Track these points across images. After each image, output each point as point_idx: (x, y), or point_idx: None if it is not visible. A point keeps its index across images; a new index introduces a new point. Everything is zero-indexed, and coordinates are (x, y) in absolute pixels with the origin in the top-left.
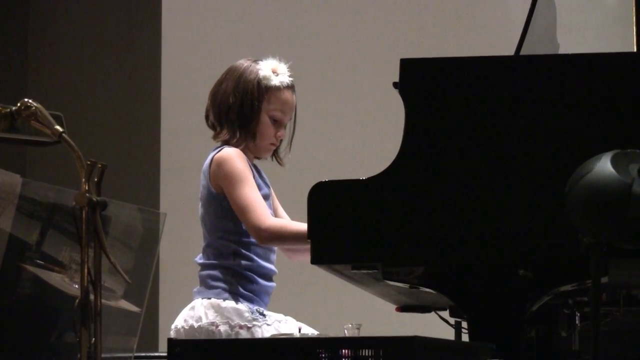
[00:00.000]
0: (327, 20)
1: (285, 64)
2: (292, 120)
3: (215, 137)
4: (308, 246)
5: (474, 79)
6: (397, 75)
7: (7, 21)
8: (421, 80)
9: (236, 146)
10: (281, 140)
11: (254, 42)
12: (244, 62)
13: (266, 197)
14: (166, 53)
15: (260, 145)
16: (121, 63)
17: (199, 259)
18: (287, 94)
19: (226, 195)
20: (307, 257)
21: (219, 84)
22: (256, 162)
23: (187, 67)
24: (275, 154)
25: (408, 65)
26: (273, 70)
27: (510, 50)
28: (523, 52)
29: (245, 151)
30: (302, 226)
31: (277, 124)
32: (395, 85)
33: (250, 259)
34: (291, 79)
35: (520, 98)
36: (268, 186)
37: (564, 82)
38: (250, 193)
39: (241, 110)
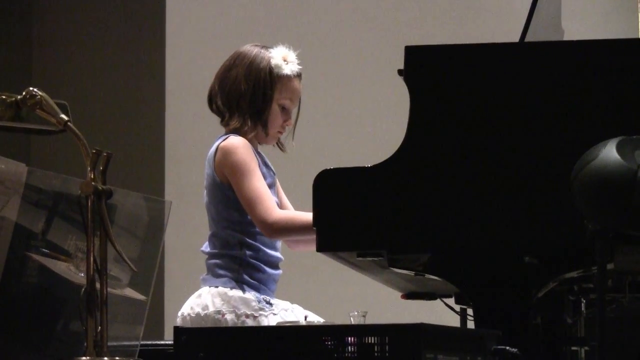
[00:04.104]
0: (333, 7)
1: (294, 51)
2: (297, 108)
3: (223, 124)
4: (314, 236)
5: (479, 66)
6: (402, 62)
7: (12, 10)
8: (426, 68)
9: (246, 134)
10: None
11: (259, 30)
12: (252, 49)
13: (271, 186)
14: (170, 41)
15: (269, 134)
16: (125, 51)
17: (205, 247)
18: (296, 83)
19: (232, 186)
20: (308, 247)
21: (228, 69)
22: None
23: (191, 55)
24: (277, 140)
25: (413, 53)
26: (284, 59)
27: (515, 37)
28: (528, 39)
29: (252, 139)
30: (310, 217)
31: (285, 112)
32: (400, 72)
33: (257, 249)
34: (300, 67)
35: (525, 85)
36: (273, 174)
37: (569, 68)
38: (257, 185)
39: (253, 98)
